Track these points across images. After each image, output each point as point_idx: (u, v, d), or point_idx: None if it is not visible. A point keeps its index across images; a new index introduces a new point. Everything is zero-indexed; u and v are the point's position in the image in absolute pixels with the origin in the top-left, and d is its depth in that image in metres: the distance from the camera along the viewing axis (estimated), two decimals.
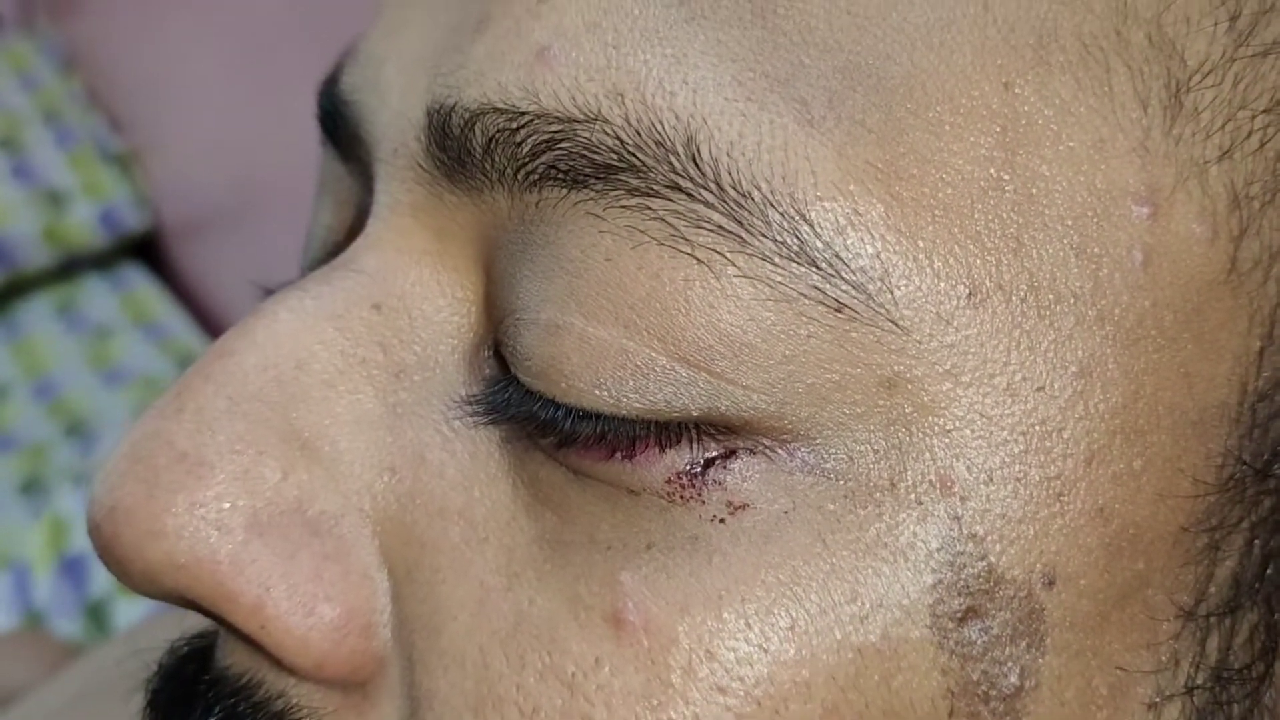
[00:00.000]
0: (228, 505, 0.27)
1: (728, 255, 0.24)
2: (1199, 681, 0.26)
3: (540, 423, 0.26)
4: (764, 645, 0.24)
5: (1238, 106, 0.25)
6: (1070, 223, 0.24)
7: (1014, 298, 0.24)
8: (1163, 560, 0.25)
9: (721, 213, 0.24)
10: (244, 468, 0.27)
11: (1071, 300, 0.24)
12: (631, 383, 0.25)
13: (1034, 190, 0.24)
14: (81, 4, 1.74)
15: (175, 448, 0.27)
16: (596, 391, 0.25)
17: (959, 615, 0.24)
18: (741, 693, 0.24)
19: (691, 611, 0.24)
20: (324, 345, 0.28)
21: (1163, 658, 0.26)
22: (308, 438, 0.28)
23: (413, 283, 0.28)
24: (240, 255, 1.45)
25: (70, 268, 1.61)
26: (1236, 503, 0.26)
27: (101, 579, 1.12)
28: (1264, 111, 0.25)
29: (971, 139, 0.24)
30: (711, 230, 0.24)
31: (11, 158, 1.60)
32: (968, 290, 0.24)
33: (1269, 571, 0.27)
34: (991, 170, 0.24)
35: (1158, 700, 0.26)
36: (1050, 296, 0.24)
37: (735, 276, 0.24)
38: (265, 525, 0.27)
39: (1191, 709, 0.26)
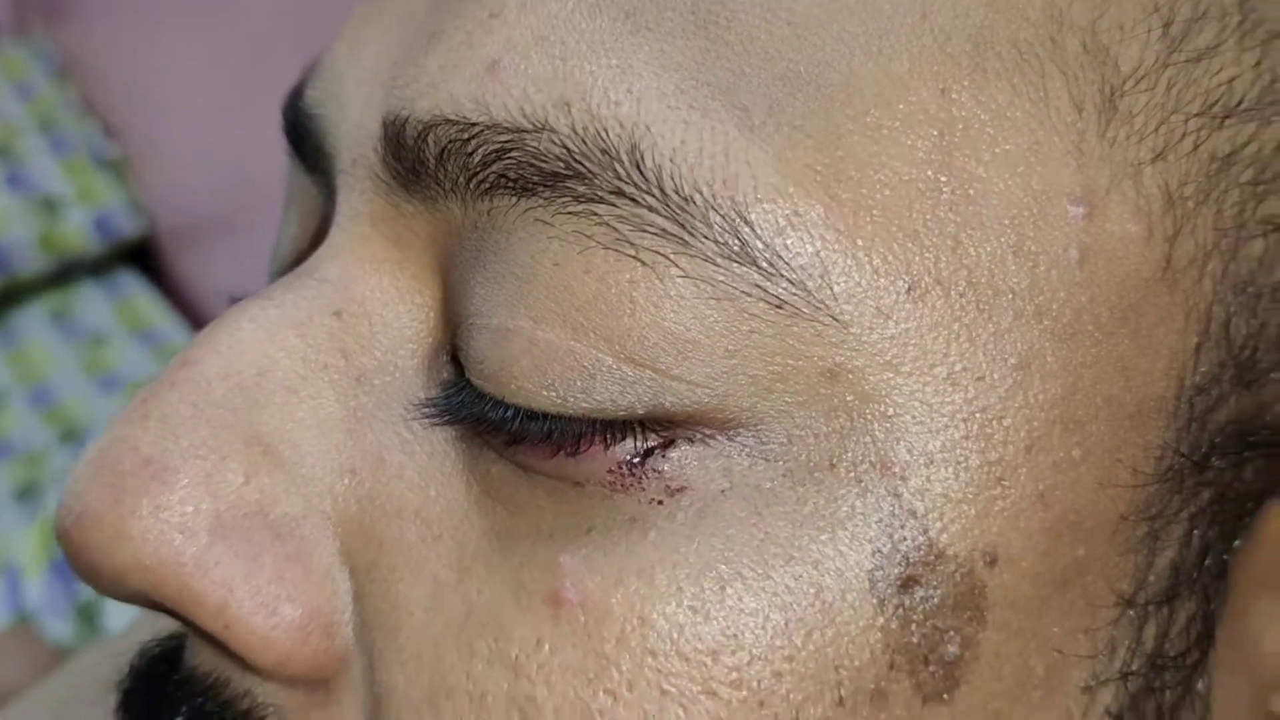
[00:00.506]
0: (191, 509, 0.27)
1: (671, 257, 0.25)
2: (1134, 668, 0.27)
3: (491, 423, 0.27)
4: (695, 605, 0.25)
5: (1171, 110, 0.26)
6: (1007, 222, 0.25)
7: (953, 293, 0.25)
8: (1103, 548, 0.26)
9: (665, 216, 0.25)
10: (207, 472, 0.28)
11: (1010, 296, 0.25)
12: (579, 383, 0.26)
13: (971, 191, 0.25)
14: (76, 12, 1.74)
15: (140, 453, 0.28)
16: (545, 392, 0.26)
17: (899, 582, 0.25)
18: (672, 652, 0.25)
19: (626, 582, 0.25)
20: (286, 352, 0.29)
21: (1100, 643, 0.27)
22: (270, 442, 0.28)
23: (373, 289, 0.29)
24: (234, 261, 1.45)
25: (65, 274, 1.61)
26: (1175, 493, 0.27)
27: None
28: (1197, 115, 0.26)
29: (909, 143, 0.25)
30: (655, 234, 0.25)
31: (7, 165, 1.61)
32: (907, 285, 0.25)
33: (1207, 562, 0.27)
34: (929, 172, 0.25)
35: (1092, 684, 0.27)
36: (989, 292, 0.25)
37: (679, 277, 0.25)
38: (228, 528, 0.27)
39: (1124, 694, 0.27)
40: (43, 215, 1.57)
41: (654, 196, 0.25)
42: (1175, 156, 0.26)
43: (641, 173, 0.25)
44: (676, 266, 0.25)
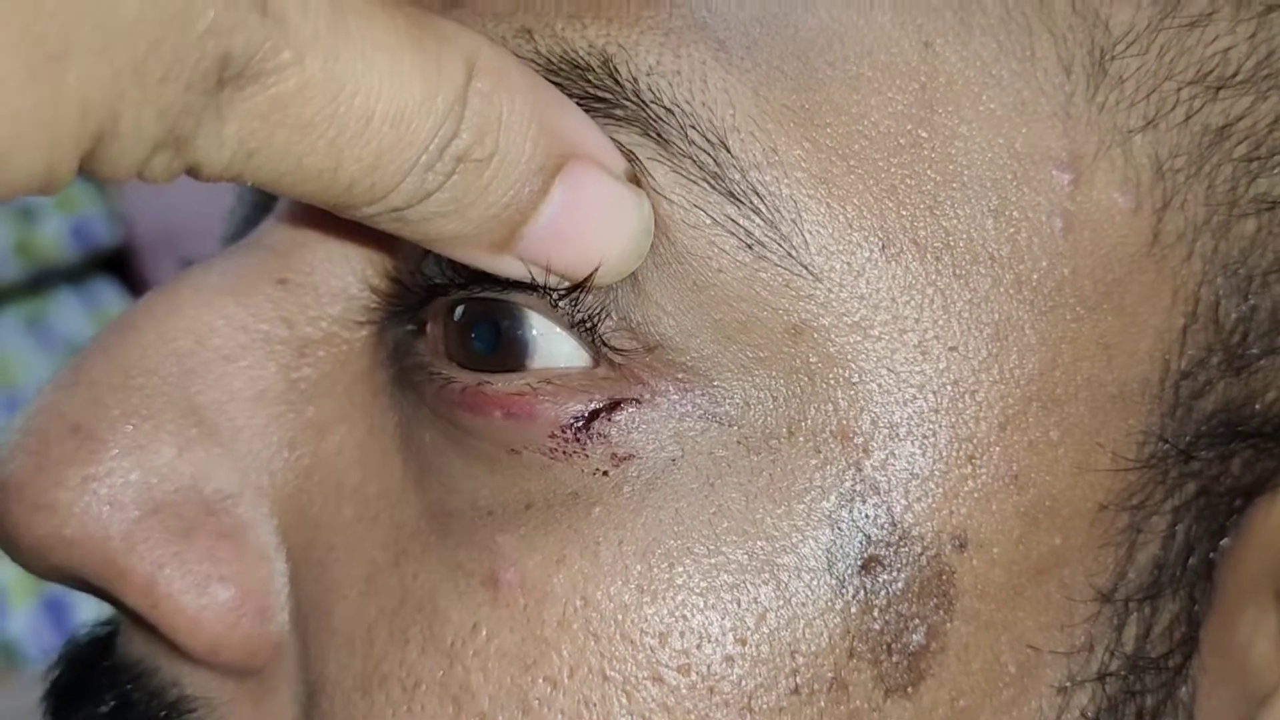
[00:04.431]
0: (120, 481, 0.26)
1: (645, 163, 0.24)
2: (1112, 669, 0.26)
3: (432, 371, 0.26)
4: (641, 584, 0.24)
5: (1163, 77, 0.25)
6: (989, 184, 0.24)
7: (929, 255, 0.24)
8: (1081, 538, 0.25)
9: (641, 120, 0.24)
10: (138, 442, 0.26)
11: (988, 262, 0.24)
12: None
13: (952, 150, 0.24)
14: None
15: (67, 420, 0.26)
16: None
17: (859, 563, 0.24)
18: (616, 635, 0.24)
19: (568, 562, 0.24)
20: (226, 320, 0.27)
21: (1077, 641, 0.25)
22: (205, 414, 0.27)
23: (320, 258, 0.27)
24: None
25: (41, 282, 1.60)
26: (1159, 484, 0.25)
27: (85, 618, 1.10)
28: (1190, 83, 0.25)
29: (890, 94, 0.24)
30: (632, 133, 0.24)
31: None
32: (881, 243, 0.24)
33: (1191, 560, 0.26)
34: (909, 126, 0.24)
35: (1068, 685, 0.25)
36: (966, 257, 0.24)
37: (651, 189, 0.24)
38: (159, 503, 0.26)
39: (1102, 697, 0.26)
40: (19, 222, 1.56)
41: (631, 103, 0.24)
42: (1166, 126, 0.25)
43: (617, 82, 0.24)
44: (652, 177, 0.24)
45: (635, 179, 0.24)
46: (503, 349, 0.25)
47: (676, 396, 0.24)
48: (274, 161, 0.21)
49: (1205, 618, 0.27)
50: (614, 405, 0.24)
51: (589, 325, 0.24)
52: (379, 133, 0.21)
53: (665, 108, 0.24)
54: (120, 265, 1.68)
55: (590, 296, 0.24)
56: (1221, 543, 0.27)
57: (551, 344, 0.25)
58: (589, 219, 0.23)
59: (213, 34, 0.19)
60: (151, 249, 1.62)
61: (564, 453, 0.24)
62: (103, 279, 1.65)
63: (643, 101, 0.24)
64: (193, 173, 0.21)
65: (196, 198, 1.50)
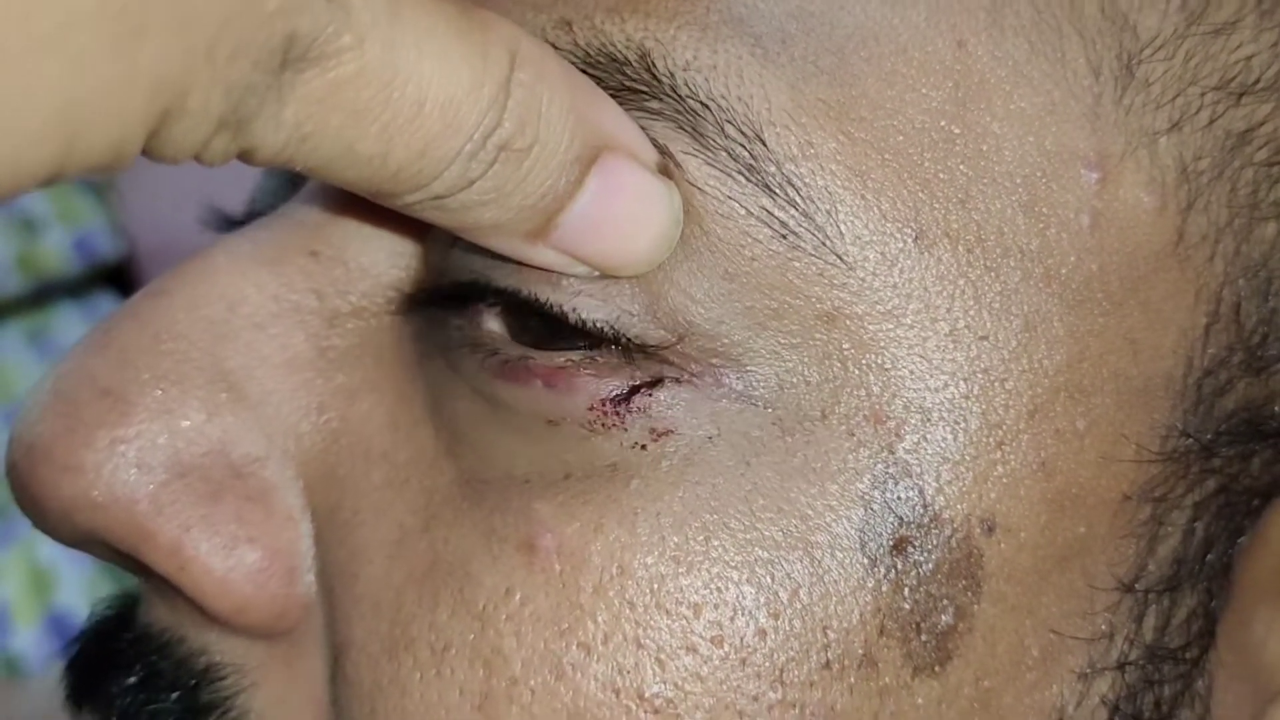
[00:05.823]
0: (148, 444, 0.26)
1: (679, 155, 0.24)
2: (1132, 658, 0.26)
3: (471, 340, 0.26)
4: (677, 556, 0.24)
5: (1188, 82, 0.26)
6: (1019, 180, 0.25)
7: (961, 247, 0.25)
8: (1105, 527, 0.25)
9: (677, 112, 0.24)
10: (167, 406, 0.26)
11: (1019, 256, 0.25)
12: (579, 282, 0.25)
13: (984, 146, 0.25)
14: None
15: (97, 383, 0.26)
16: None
17: (891, 543, 0.24)
18: (651, 604, 0.24)
19: (605, 530, 0.24)
20: (257, 288, 0.27)
21: (1098, 628, 0.26)
22: (234, 379, 0.27)
23: (350, 234, 0.28)
24: None
25: (43, 295, 1.59)
26: (1180, 478, 0.26)
27: None
28: (1215, 89, 0.26)
29: (924, 91, 0.25)
30: (666, 128, 0.24)
31: None
32: (914, 234, 0.24)
33: (1209, 557, 0.27)
34: (942, 122, 0.25)
35: (1088, 671, 0.26)
36: (998, 250, 0.25)
37: (684, 181, 0.24)
38: (187, 466, 0.26)
39: (1122, 685, 0.26)
40: (22, 235, 1.55)
41: (668, 96, 0.24)
42: (1191, 129, 0.26)
43: (654, 76, 0.24)
44: (685, 169, 0.24)
45: (667, 171, 0.24)
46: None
47: (711, 379, 0.25)
48: (326, 146, 0.22)
49: (1222, 614, 0.27)
50: (655, 382, 0.25)
51: (612, 336, 0.25)
52: (429, 119, 0.22)
53: (701, 102, 0.24)
54: (122, 279, 1.67)
55: (601, 312, 0.25)
56: (1240, 541, 0.27)
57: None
58: (622, 210, 0.24)
59: (281, 13, 0.20)
60: (153, 262, 1.62)
61: (603, 425, 0.25)
62: (104, 292, 1.64)
63: (679, 96, 0.24)
64: (246, 156, 0.22)
65: (197, 212, 1.49)
